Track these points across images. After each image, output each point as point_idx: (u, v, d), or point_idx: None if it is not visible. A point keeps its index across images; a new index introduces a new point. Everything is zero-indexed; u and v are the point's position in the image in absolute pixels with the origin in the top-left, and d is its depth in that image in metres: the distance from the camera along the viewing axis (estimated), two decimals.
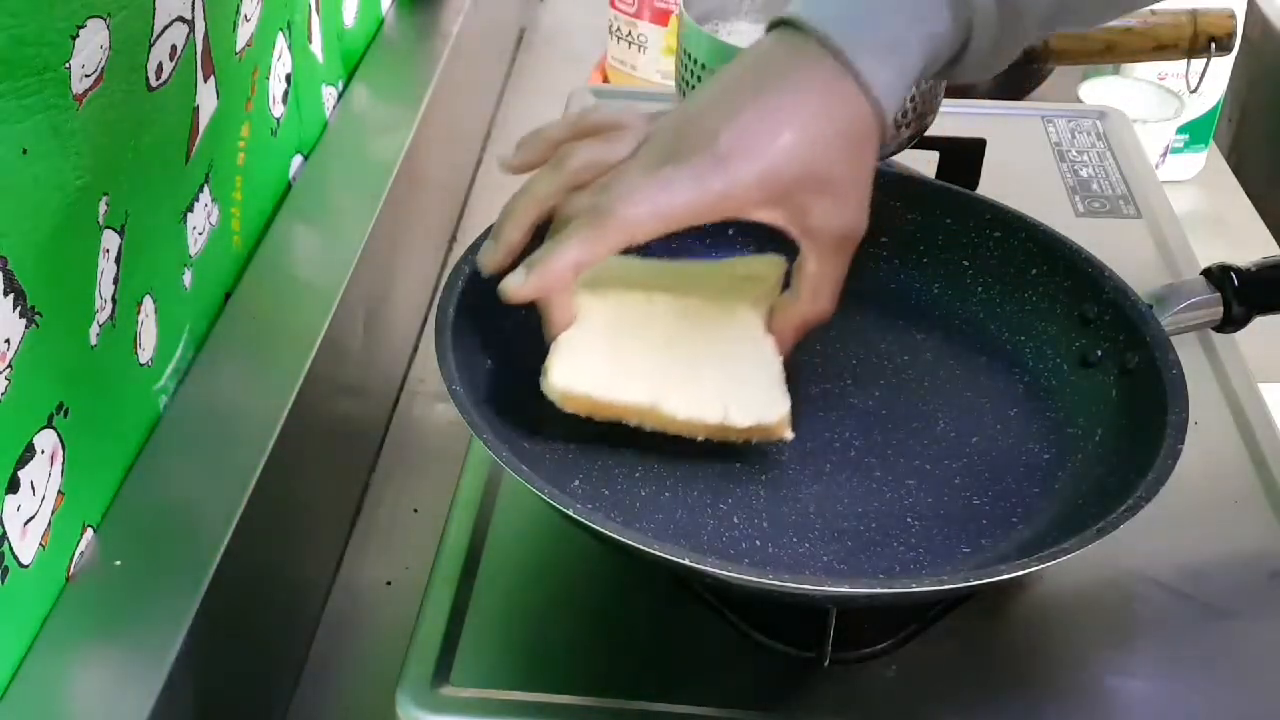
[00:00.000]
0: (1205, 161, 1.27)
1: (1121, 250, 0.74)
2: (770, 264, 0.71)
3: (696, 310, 0.69)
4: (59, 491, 0.59)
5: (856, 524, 0.63)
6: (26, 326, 0.55)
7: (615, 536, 0.55)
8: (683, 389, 0.64)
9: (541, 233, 0.63)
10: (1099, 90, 1.22)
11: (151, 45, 0.65)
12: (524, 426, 0.66)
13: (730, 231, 0.75)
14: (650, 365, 0.65)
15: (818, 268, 0.63)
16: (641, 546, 0.54)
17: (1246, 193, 1.26)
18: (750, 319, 0.68)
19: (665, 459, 0.65)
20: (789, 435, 0.65)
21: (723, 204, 0.59)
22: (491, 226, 0.65)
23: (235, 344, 0.76)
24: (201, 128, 0.73)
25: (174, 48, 0.67)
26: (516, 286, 0.59)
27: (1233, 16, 1.10)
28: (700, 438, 0.64)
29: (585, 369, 0.63)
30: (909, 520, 0.64)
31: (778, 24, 0.62)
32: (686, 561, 0.53)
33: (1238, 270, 0.75)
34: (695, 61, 0.85)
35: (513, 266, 0.61)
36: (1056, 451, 0.67)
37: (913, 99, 0.84)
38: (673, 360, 0.66)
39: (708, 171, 0.58)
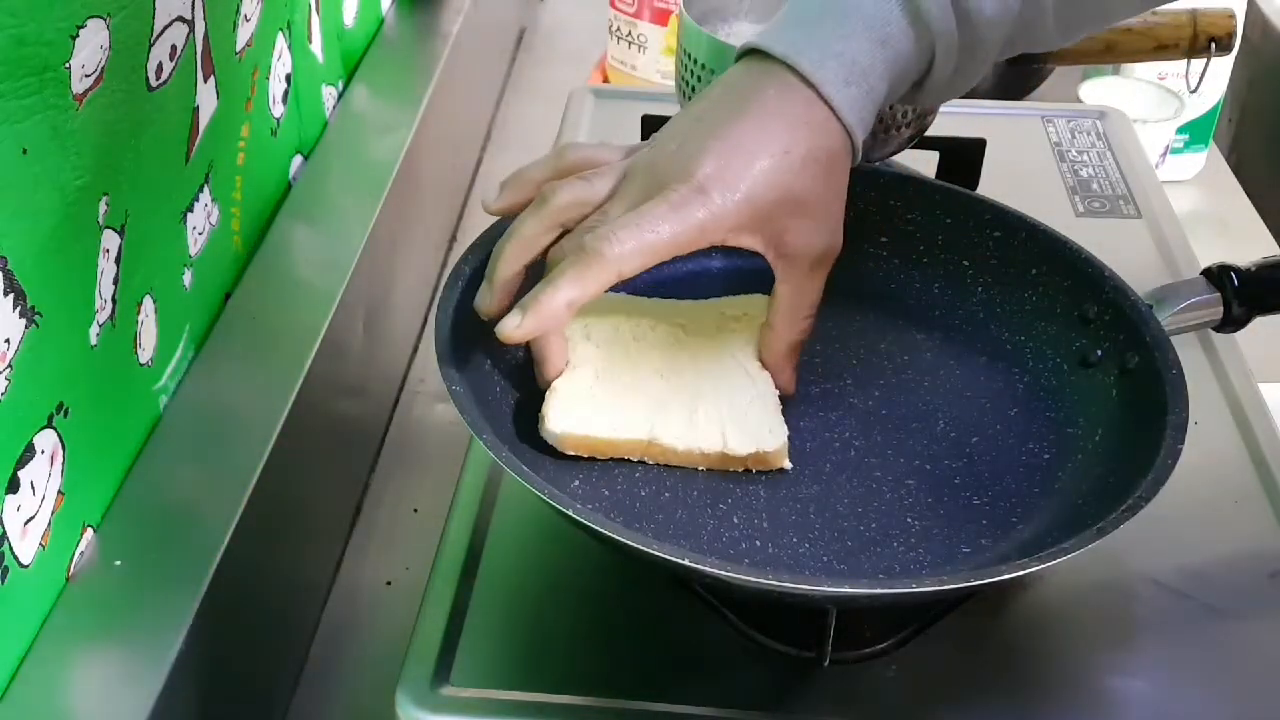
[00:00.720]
0: (1205, 161, 1.27)
1: (1121, 250, 0.74)
2: (759, 304, 0.72)
3: (689, 346, 0.70)
4: (59, 491, 0.59)
5: (856, 524, 0.63)
6: (26, 326, 0.55)
7: (615, 537, 0.55)
8: (680, 421, 0.66)
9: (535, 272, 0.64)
10: (1099, 90, 1.22)
11: (151, 45, 0.65)
12: (524, 427, 0.66)
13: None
14: (646, 401, 0.67)
15: (793, 289, 0.65)
16: (641, 547, 0.54)
17: (1246, 193, 1.26)
18: (744, 355, 0.70)
19: None
20: (787, 465, 0.66)
21: (704, 234, 0.60)
22: (482, 235, 0.66)
23: (235, 344, 0.76)
24: (201, 128, 0.73)
25: (174, 48, 0.67)
26: (513, 328, 0.61)
27: (1233, 16, 1.10)
28: (701, 468, 0.65)
29: (581, 411, 0.65)
30: (909, 520, 0.64)
31: (746, 53, 0.64)
32: (686, 562, 0.53)
33: (1237, 270, 0.75)
34: (695, 61, 0.85)
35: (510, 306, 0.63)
36: (1056, 451, 0.67)
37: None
38: (669, 394, 0.67)
39: (688, 203, 0.60)
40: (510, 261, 0.63)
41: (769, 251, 0.63)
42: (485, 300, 0.64)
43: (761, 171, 0.60)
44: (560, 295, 0.60)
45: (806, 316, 0.66)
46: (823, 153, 0.62)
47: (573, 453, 0.65)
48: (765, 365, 0.68)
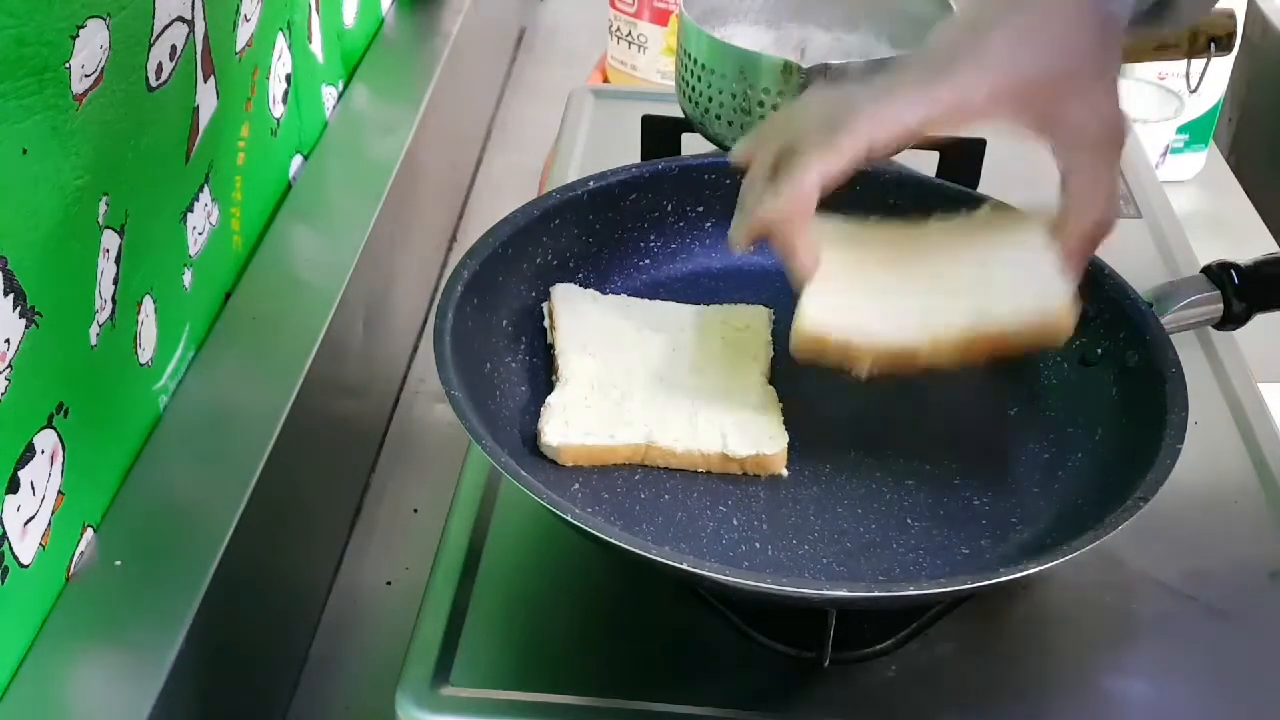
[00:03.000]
0: (1205, 161, 1.27)
1: (1121, 250, 0.73)
2: (758, 314, 0.73)
3: (691, 353, 0.70)
4: (59, 491, 0.59)
5: (856, 525, 0.63)
6: (26, 326, 0.55)
7: (614, 542, 0.55)
8: (680, 424, 0.66)
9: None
10: None
11: (151, 45, 0.65)
12: (524, 431, 0.66)
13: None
14: (644, 406, 0.67)
15: (1081, 176, 0.61)
16: (640, 551, 0.54)
17: (1246, 193, 1.26)
18: (746, 364, 0.70)
19: None
20: (784, 471, 0.66)
21: (960, 107, 0.58)
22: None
23: (235, 344, 0.76)
24: (201, 128, 0.73)
25: (174, 48, 0.67)
26: (768, 208, 0.59)
27: (1233, 16, 1.10)
28: (700, 470, 0.65)
29: (578, 422, 0.65)
30: (908, 521, 0.64)
31: None
32: (685, 566, 0.53)
33: (1237, 267, 0.75)
34: (695, 61, 0.85)
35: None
36: (1056, 451, 0.67)
37: None
38: (669, 399, 0.67)
39: (940, 79, 0.58)
40: (755, 179, 0.61)
41: (1045, 134, 0.60)
42: (738, 231, 0.62)
43: (1020, 47, 0.58)
44: (810, 170, 0.58)
45: (1104, 203, 0.62)
46: (1085, 27, 0.59)
47: (572, 464, 0.65)
48: (1062, 256, 0.63)
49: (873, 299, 0.63)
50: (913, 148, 0.86)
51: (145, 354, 0.68)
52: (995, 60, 0.58)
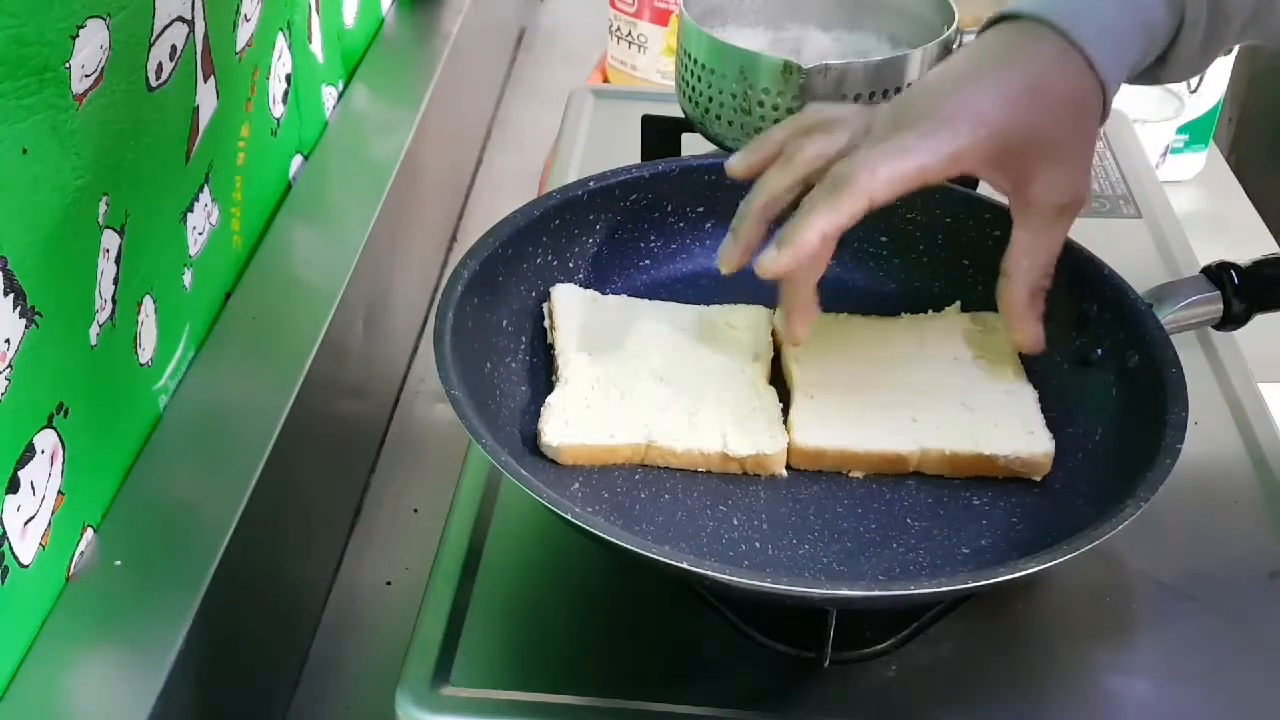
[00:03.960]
0: (1205, 161, 1.27)
1: (1121, 250, 0.74)
2: (758, 314, 0.73)
3: (692, 353, 0.71)
4: (59, 491, 0.59)
5: (856, 525, 0.63)
6: (26, 326, 0.55)
7: (614, 541, 0.55)
8: (680, 423, 0.66)
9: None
10: None
11: (151, 45, 0.65)
12: (524, 430, 0.66)
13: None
14: (644, 406, 0.67)
15: (1032, 236, 0.64)
16: (640, 551, 0.54)
17: (1246, 193, 1.26)
18: (747, 364, 0.70)
19: None
20: (785, 472, 0.66)
21: (954, 163, 0.60)
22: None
23: (235, 344, 0.76)
24: (201, 128, 0.73)
25: (174, 48, 0.67)
26: (771, 261, 0.61)
27: None
28: (700, 470, 0.65)
29: (577, 422, 0.65)
30: (908, 521, 0.64)
31: (993, 22, 0.65)
32: (685, 565, 0.53)
33: (1237, 267, 0.75)
34: (695, 61, 0.85)
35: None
36: (1056, 451, 0.67)
37: None
38: (669, 398, 0.67)
39: (937, 133, 0.60)
40: (756, 215, 0.64)
41: (1014, 194, 0.63)
42: (729, 253, 0.64)
43: (1012, 108, 0.61)
44: (815, 225, 0.59)
45: (1045, 265, 0.65)
46: (1075, 99, 0.62)
47: (572, 464, 0.65)
48: (1005, 318, 0.67)
49: (864, 411, 0.67)
50: None
51: (145, 354, 0.68)
52: (987, 119, 0.61)
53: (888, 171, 0.59)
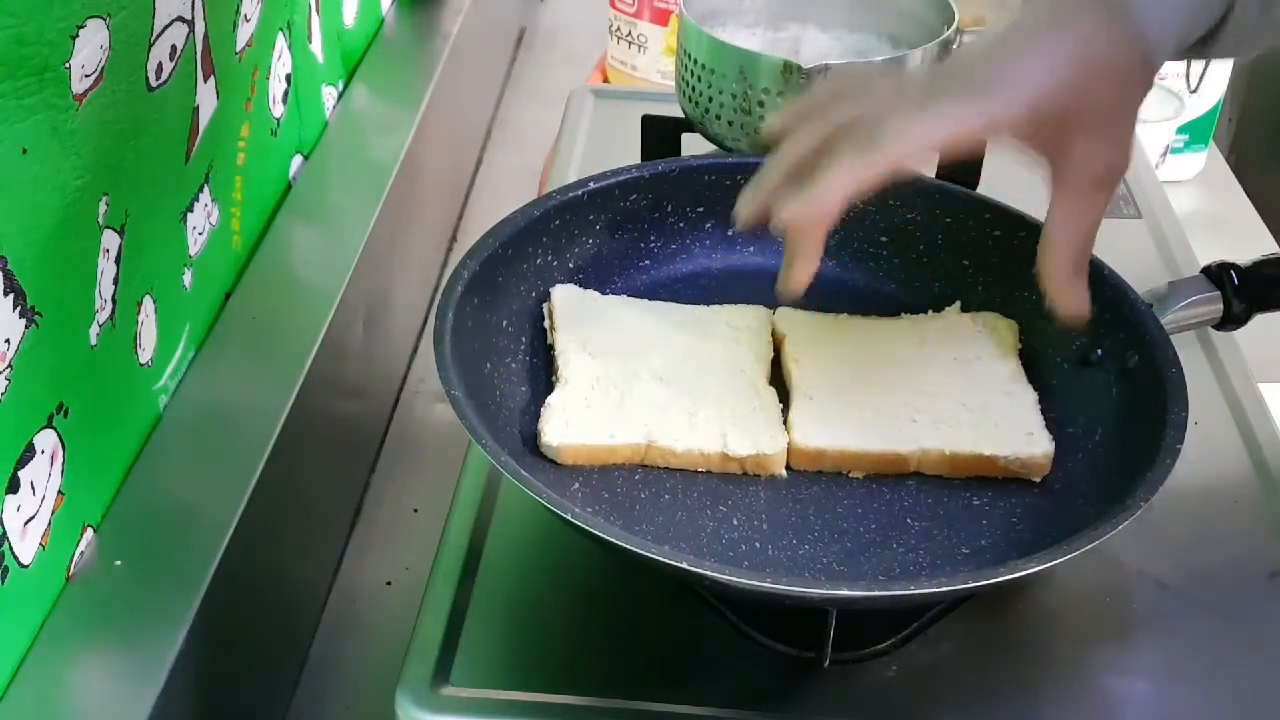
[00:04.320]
0: (1205, 161, 1.27)
1: (1121, 250, 0.74)
2: (758, 314, 0.73)
3: (691, 352, 0.71)
4: (59, 491, 0.59)
5: (856, 525, 0.63)
6: (26, 326, 0.55)
7: (614, 541, 0.55)
8: (680, 423, 0.66)
9: None
10: None
11: (151, 45, 0.65)
12: (524, 430, 0.66)
13: (730, 233, 0.76)
14: (644, 405, 0.67)
15: (1070, 207, 0.62)
16: (640, 551, 0.54)
17: (1246, 193, 1.26)
18: (748, 363, 0.70)
19: None
20: (784, 473, 0.66)
21: (986, 128, 0.59)
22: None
23: (235, 344, 0.76)
24: (201, 128, 0.73)
25: (174, 48, 0.67)
26: (791, 209, 0.59)
27: None
28: (700, 470, 0.65)
29: (577, 422, 0.65)
30: (908, 521, 0.64)
31: None
32: (685, 566, 0.53)
33: (1237, 267, 0.75)
34: (695, 61, 0.85)
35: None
36: (1056, 451, 0.67)
37: None
38: (669, 398, 0.67)
39: (971, 98, 0.59)
40: (783, 168, 0.61)
41: (1050, 165, 0.61)
42: (747, 207, 0.62)
43: (1052, 75, 0.59)
44: (839, 179, 0.58)
45: (1086, 236, 0.62)
46: (1119, 67, 0.60)
47: (572, 463, 0.65)
48: (1046, 288, 0.63)
49: (864, 411, 0.67)
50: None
51: (145, 354, 0.68)
52: (1026, 85, 0.59)
53: (918, 131, 0.58)
